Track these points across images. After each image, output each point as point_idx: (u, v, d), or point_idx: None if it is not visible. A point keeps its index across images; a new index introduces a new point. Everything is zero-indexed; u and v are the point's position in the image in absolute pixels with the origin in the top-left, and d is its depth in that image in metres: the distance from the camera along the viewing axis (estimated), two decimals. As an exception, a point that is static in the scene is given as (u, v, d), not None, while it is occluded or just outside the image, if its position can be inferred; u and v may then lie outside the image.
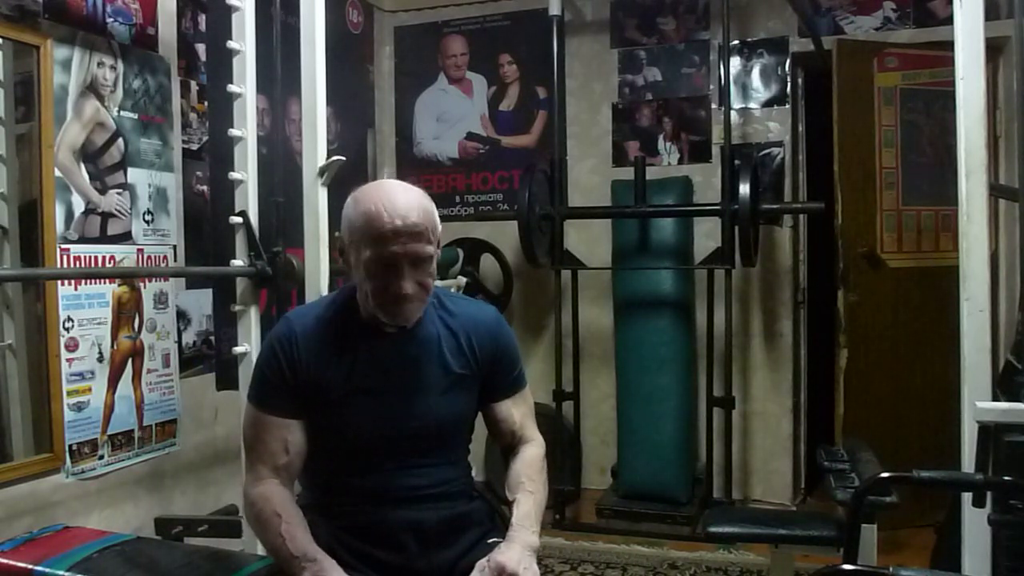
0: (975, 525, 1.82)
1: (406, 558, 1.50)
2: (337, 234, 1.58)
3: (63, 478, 2.49)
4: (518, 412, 1.68)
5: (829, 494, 1.92)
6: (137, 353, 2.76)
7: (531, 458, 1.65)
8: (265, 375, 1.55)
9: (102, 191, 2.63)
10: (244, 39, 2.43)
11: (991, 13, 2.08)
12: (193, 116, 3.04)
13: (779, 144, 3.85)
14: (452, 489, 1.59)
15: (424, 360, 1.57)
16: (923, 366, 3.38)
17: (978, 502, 1.69)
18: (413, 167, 4.33)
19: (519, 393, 1.69)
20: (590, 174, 4.08)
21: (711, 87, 3.94)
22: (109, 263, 2.64)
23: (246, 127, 2.44)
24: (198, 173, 3.06)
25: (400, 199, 1.46)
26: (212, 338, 3.11)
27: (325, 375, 1.53)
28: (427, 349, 1.57)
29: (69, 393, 2.50)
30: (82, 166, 2.56)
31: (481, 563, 1.44)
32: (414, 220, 1.44)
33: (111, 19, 2.66)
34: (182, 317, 2.98)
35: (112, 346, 2.66)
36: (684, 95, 3.98)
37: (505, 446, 1.70)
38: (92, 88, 2.59)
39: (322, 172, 2.33)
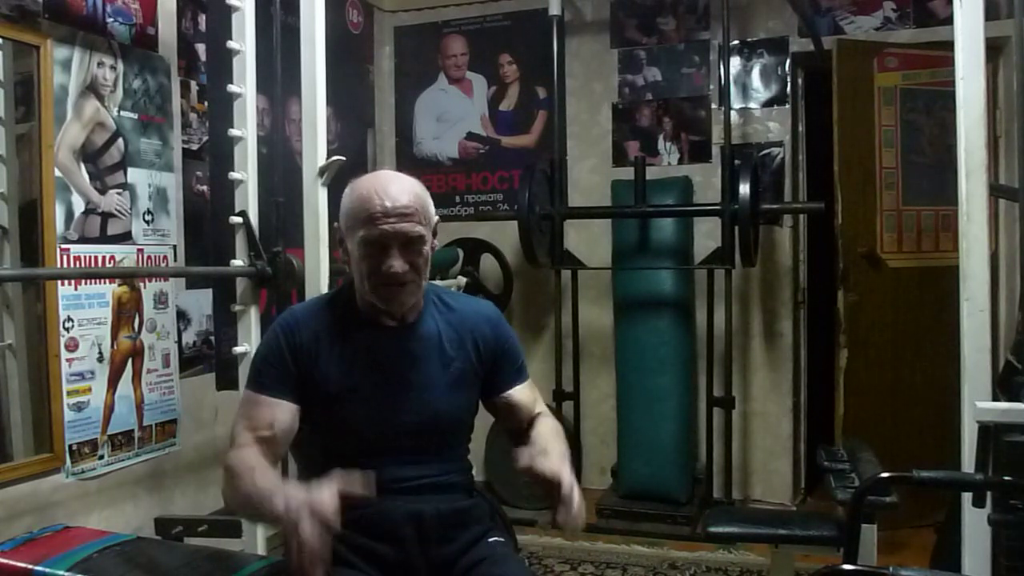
0: (975, 525, 1.82)
1: (406, 552, 1.50)
2: (336, 225, 1.59)
3: (63, 478, 2.49)
4: (531, 395, 1.70)
5: (829, 494, 1.92)
6: (137, 353, 2.76)
7: (553, 425, 1.65)
8: (264, 357, 1.56)
9: (102, 191, 2.63)
10: (244, 39, 2.44)
11: (991, 13, 2.08)
12: (193, 116, 3.04)
13: (779, 144, 3.85)
14: (451, 481, 1.58)
15: (424, 355, 1.57)
16: (923, 366, 3.37)
17: (978, 502, 1.69)
18: (413, 167, 4.32)
19: (527, 381, 1.71)
20: (590, 174, 4.08)
21: (711, 87, 3.94)
22: (109, 263, 2.64)
23: (246, 127, 2.45)
24: (198, 173, 3.06)
25: (392, 184, 1.50)
26: (212, 338, 3.11)
27: (325, 368, 1.53)
28: (427, 344, 1.58)
29: (69, 393, 2.50)
30: (82, 166, 2.56)
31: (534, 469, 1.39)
32: (404, 202, 1.48)
33: (111, 19, 2.66)
34: (182, 317, 2.98)
35: (112, 346, 2.66)
36: (684, 95, 3.98)
37: (520, 427, 1.68)
38: (92, 88, 2.59)
39: (322, 172, 2.33)
